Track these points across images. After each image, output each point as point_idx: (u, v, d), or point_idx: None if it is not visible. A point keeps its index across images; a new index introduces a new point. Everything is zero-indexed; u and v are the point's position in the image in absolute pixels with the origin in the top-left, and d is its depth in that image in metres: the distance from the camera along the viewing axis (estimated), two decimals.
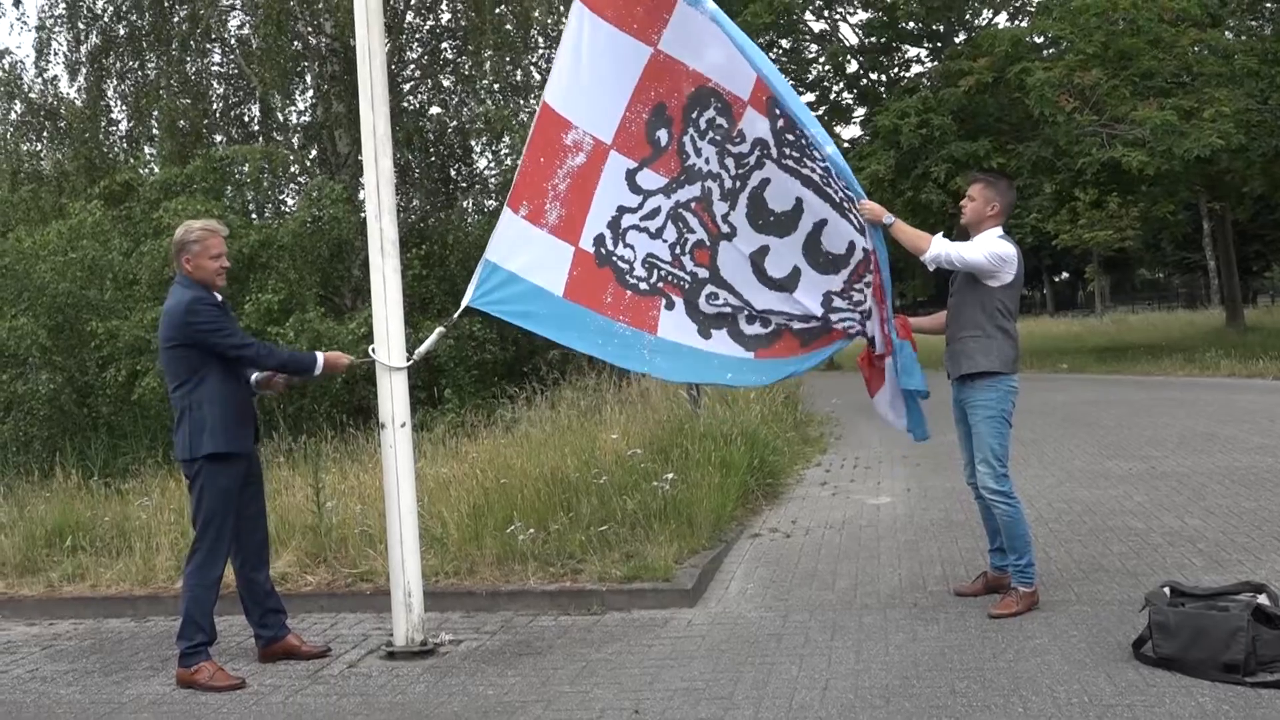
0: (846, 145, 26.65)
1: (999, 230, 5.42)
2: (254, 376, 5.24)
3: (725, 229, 5.43)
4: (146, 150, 15.46)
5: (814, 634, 5.11)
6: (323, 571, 6.44)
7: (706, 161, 5.36)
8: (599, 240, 5.27)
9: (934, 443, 11.55)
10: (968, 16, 27.82)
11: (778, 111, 5.22)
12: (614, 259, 5.28)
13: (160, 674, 5.13)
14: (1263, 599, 4.31)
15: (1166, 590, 4.54)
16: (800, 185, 5.31)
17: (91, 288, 11.53)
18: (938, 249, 5.30)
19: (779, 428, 10.88)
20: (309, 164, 15.04)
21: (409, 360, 5.23)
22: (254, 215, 13.98)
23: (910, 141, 23.05)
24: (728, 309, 5.50)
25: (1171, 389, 16.88)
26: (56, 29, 15.10)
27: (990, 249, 5.28)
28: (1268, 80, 22.52)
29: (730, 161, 5.33)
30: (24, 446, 11.72)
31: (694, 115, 5.31)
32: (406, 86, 14.64)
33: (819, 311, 5.45)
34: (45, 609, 6.45)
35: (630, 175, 5.31)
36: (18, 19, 14.80)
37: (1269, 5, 24.61)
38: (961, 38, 27.33)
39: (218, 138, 15.23)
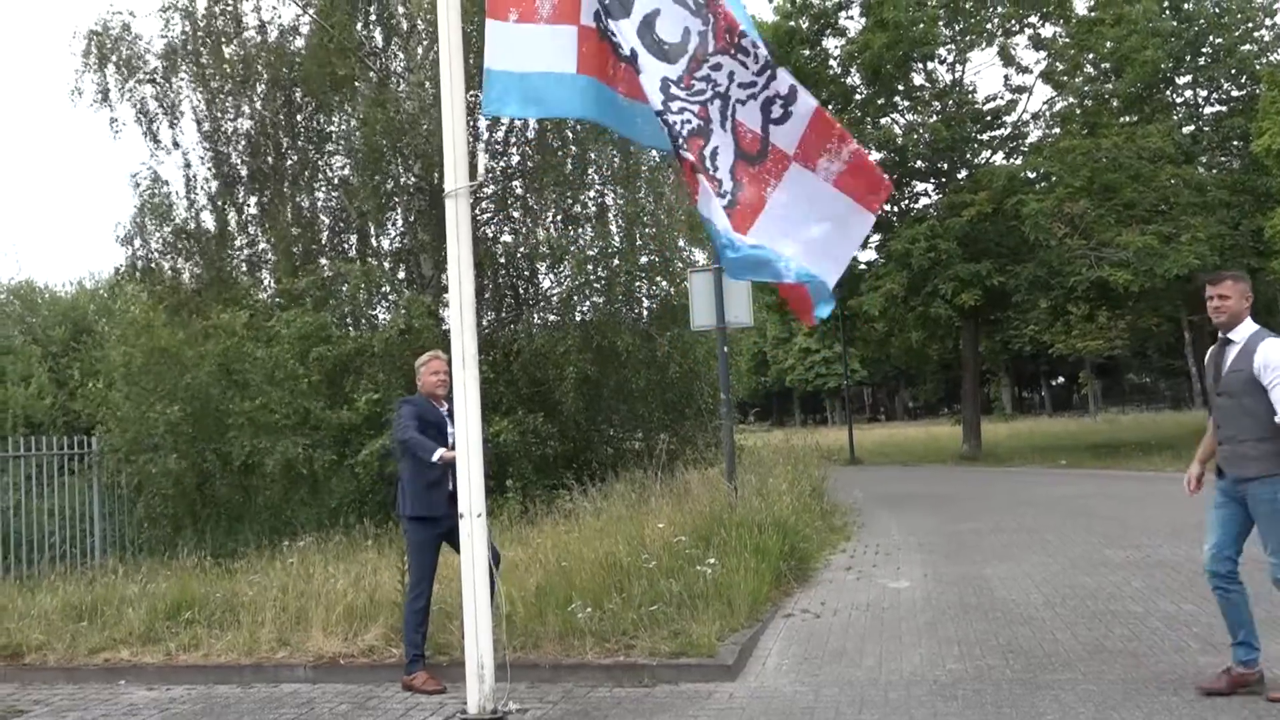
0: (864, 267, 26.80)
1: (1259, 329, 4.80)
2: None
3: None
4: (264, 275, 15.90)
5: (843, 708, 4.99)
6: None
7: None
8: (597, 16, 4.98)
9: (947, 531, 11.43)
10: (968, 155, 28.13)
11: None
12: (609, 35, 4.97)
13: None
14: None
15: None
16: None
17: (231, 388, 11.85)
18: None
19: (808, 517, 10.72)
20: (398, 283, 15.38)
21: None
22: (350, 326, 14.26)
23: (920, 263, 23.25)
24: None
25: (1161, 483, 16.46)
26: (204, 164, 15.73)
27: None
28: (1238, 209, 22.52)
29: None
30: (153, 523, 11.92)
31: None
32: (483, 218, 15.01)
33: (659, 102, 4.78)
34: (164, 675, 6.47)
35: None
36: (182, 158, 15.51)
37: (1236, 144, 24.70)
38: (964, 174, 27.57)
39: (323, 261, 15.64)
